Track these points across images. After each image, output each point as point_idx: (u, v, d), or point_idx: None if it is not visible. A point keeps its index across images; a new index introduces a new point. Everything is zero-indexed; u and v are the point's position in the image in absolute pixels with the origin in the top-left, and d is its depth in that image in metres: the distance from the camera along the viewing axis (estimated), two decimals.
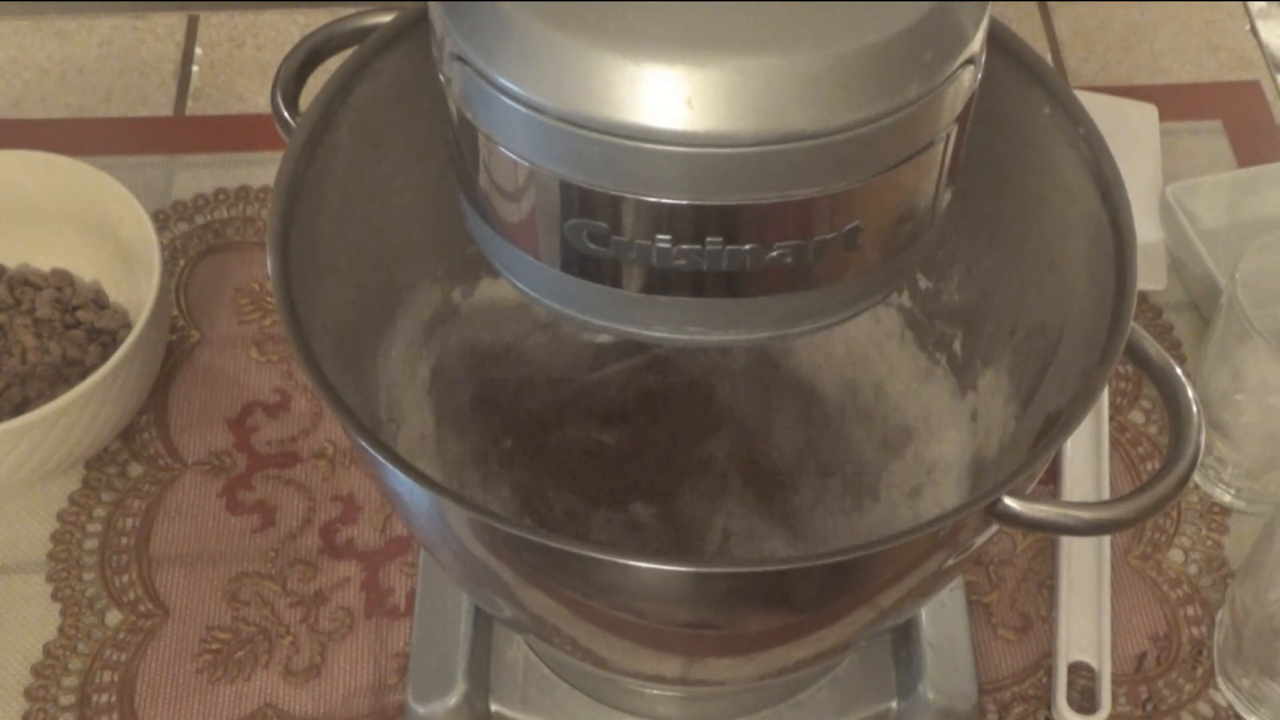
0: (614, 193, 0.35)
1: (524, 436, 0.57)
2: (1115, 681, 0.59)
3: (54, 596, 0.61)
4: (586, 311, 0.39)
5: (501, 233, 0.39)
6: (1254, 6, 0.85)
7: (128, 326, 0.67)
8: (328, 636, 0.61)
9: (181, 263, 0.72)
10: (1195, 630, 0.61)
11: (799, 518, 0.56)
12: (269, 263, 0.44)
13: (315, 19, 0.83)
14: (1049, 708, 0.59)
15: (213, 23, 0.83)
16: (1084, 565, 0.62)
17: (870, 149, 0.35)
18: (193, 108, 0.79)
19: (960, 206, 0.43)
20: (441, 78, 0.37)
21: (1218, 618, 0.61)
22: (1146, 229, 0.71)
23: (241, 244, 0.73)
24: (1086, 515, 0.41)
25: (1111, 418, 0.67)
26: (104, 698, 0.59)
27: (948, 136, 0.37)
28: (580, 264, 0.37)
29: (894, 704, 0.56)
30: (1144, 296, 0.72)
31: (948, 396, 0.57)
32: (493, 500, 0.56)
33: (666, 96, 0.33)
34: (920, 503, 0.55)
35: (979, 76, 0.37)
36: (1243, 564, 0.59)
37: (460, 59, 0.36)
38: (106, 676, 0.59)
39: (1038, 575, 0.62)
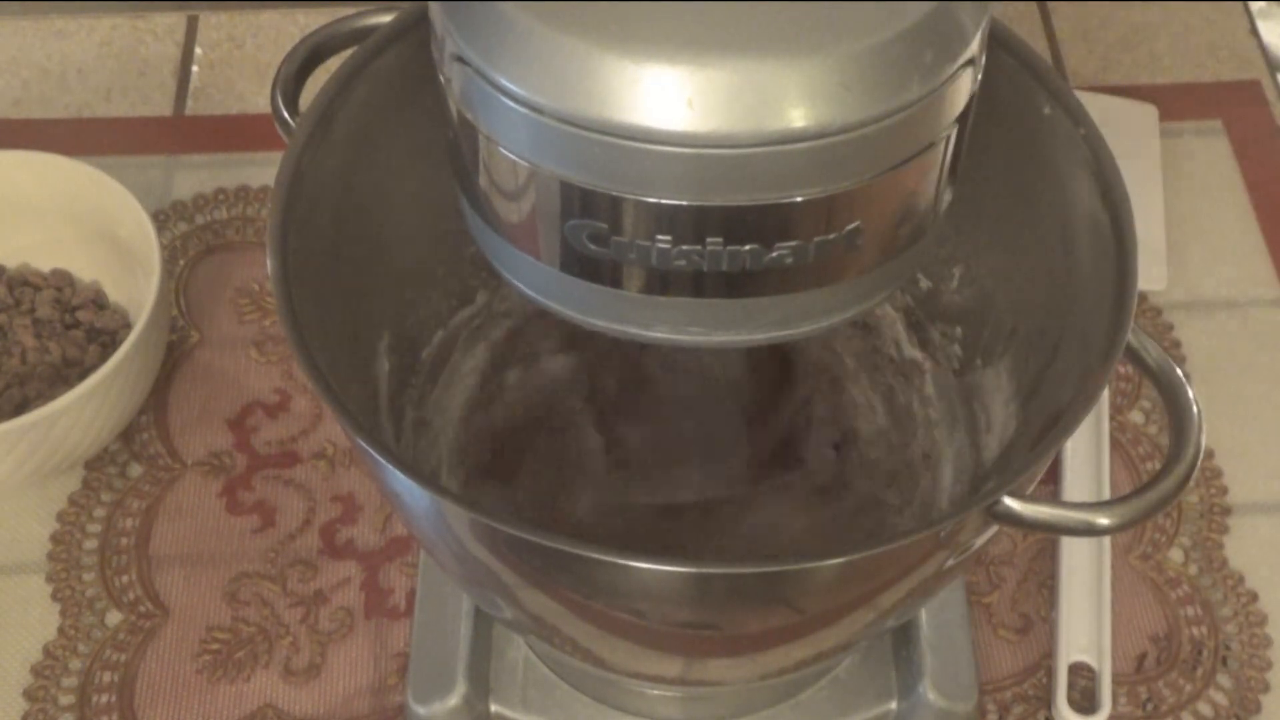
0: (614, 193, 0.35)
1: (524, 435, 0.57)
2: (1115, 681, 0.59)
3: (54, 597, 0.61)
4: (586, 312, 0.39)
5: (501, 233, 0.39)
6: (1254, 6, 0.85)
7: (128, 326, 0.67)
8: (328, 637, 0.61)
9: (181, 263, 0.72)
10: (1195, 630, 0.61)
11: (797, 518, 0.56)
12: (269, 263, 0.44)
13: (315, 19, 0.83)
14: (1049, 708, 0.59)
15: (213, 23, 0.83)
16: (1084, 565, 0.62)
17: (871, 150, 0.35)
18: (192, 108, 0.79)
19: (960, 207, 0.43)
20: (441, 78, 0.37)
21: None
22: (1147, 229, 0.71)
23: (241, 244, 0.73)
24: (1086, 516, 0.41)
25: (1111, 418, 0.67)
26: (104, 698, 0.59)
27: (948, 137, 0.37)
28: (580, 264, 0.37)
29: (894, 704, 0.56)
30: (1144, 296, 0.72)
31: (948, 397, 0.57)
32: (493, 500, 0.56)
33: (667, 97, 0.33)
34: (920, 503, 0.55)
35: (979, 77, 0.37)
36: None
37: (460, 59, 0.36)
38: (106, 677, 0.59)
39: (1038, 575, 0.62)
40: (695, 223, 0.35)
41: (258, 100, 0.80)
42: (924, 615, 0.56)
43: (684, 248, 0.36)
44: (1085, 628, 0.60)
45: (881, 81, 0.34)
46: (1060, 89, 0.47)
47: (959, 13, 0.35)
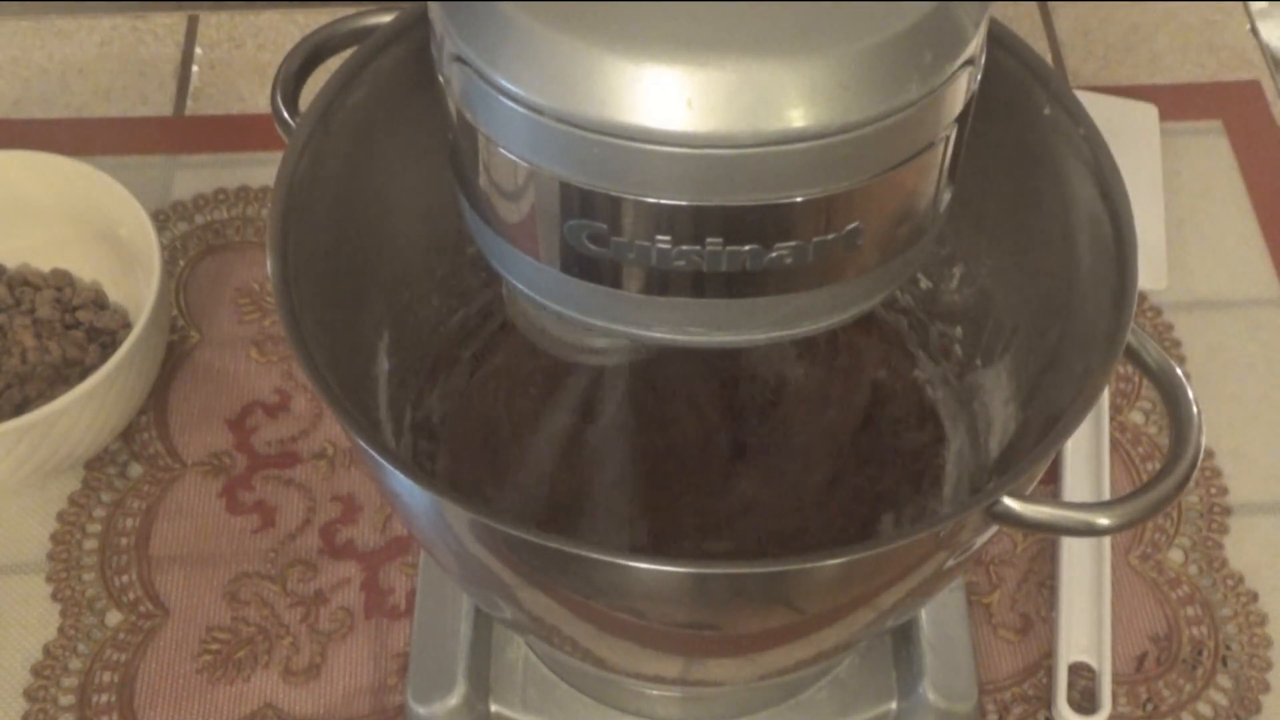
0: (614, 193, 0.35)
1: (525, 434, 0.57)
2: (1115, 681, 0.59)
3: (54, 597, 0.61)
4: (586, 312, 0.39)
5: (501, 233, 0.39)
6: (1254, 6, 0.85)
7: (128, 326, 0.67)
8: (328, 636, 0.61)
9: (181, 263, 0.72)
10: (1195, 630, 0.61)
11: (798, 518, 0.56)
12: (269, 263, 0.44)
13: (315, 19, 0.83)
14: (1049, 708, 0.59)
15: (213, 23, 0.83)
16: (1084, 565, 0.62)
17: (870, 150, 0.35)
18: (192, 108, 0.79)
19: (960, 206, 0.43)
20: (441, 79, 0.37)
21: None
22: (1147, 229, 0.71)
23: (241, 244, 0.73)
24: (1086, 516, 0.41)
25: (1111, 418, 0.67)
26: (104, 698, 0.59)
27: (947, 137, 0.37)
28: (580, 265, 0.37)
29: (894, 704, 0.56)
30: (1144, 296, 0.72)
31: (948, 397, 0.57)
32: (493, 500, 0.56)
33: (666, 97, 0.33)
34: (920, 504, 0.55)
35: (978, 77, 0.37)
36: None
37: (460, 60, 0.36)
38: (106, 677, 0.59)
39: (1038, 575, 0.62)
40: (695, 223, 0.35)
41: (258, 100, 0.80)
42: (924, 615, 0.56)
43: (683, 248, 0.36)
44: (1085, 628, 0.60)
45: (881, 82, 0.34)
46: (1060, 89, 0.47)
47: (958, 13, 0.35)
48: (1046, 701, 0.59)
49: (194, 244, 0.73)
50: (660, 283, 0.37)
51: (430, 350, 0.58)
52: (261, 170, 0.76)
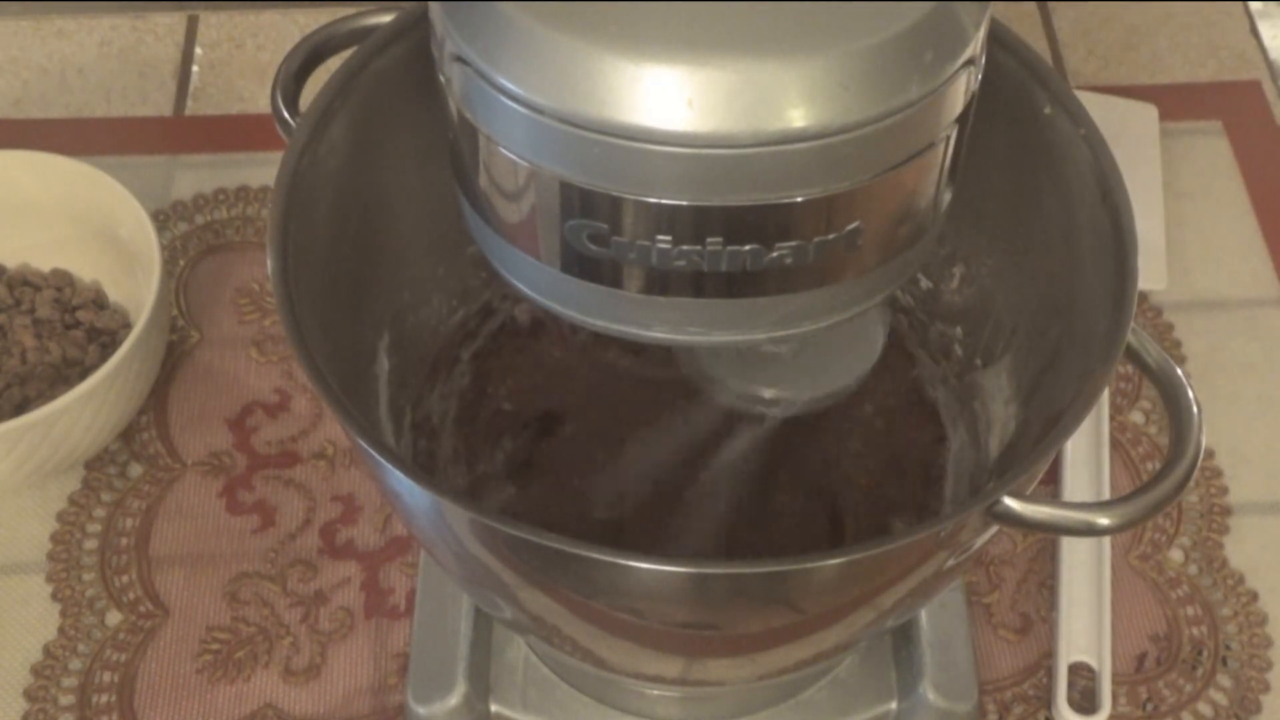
0: (614, 193, 0.35)
1: (523, 434, 0.57)
2: (1115, 681, 0.59)
3: (54, 597, 0.61)
4: (586, 312, 0.39)
5: (501, 233, 0.39)
6: (1254, 6, 0.85)
7: (128, 326, 0.67)
8: (328, 636, 0.61)
9: (181, 263, 0.72)
10: (1195, 630, 0.61)
11: (797, 518, 0.56)
12: (269, 263, 0.44)
13: (315, 19, 0.83)
14: (1049, 708, 0.59)
15: (213, 23, 0.83)
16: (1084, 565, 0.62)
17: (871, 150, 0.35)
18: (192, 108, 0.79)
19: (960, 206, 0.43)
20: (441, 78, 0.37)
21: None
22: (1147, 229, 0.71)
23: (241, 244, 0.73)
24: (1086, 516, 0.41)
25: (1111, 418, 0.67)
26: (104, 698, 0.59)
27: (948, 137, 0.37)
28: (580, 265, 0.37)
29: (894, 704, 0.56)
30: (1144, 296, 0.72)
31: (948, 397, 0.57)
32: (493, 499, 0.56)
33: (667, 97, 0.33)
34: (920, 504, 0.55)
35: (979, 77, 0.37)
36: None
37: (461, 60, 0.36)
38: (106, 677, 0.59)
39: (1038, 575, 0.62)
40: (695, 223, 0.35)
41: (258, 100, 0.80)
42: (924, 615, 0.56)
43: (684, 248, 0.36)
44: (1085, 628, 0.60)
45: (881, 81, 0.34)
46: (1060, 89, 0.47)
47: (959, 13, 0.35)
48: (1046, 701, 0.59)
49: (194, 244, 0.73)
50: (660, 283, 0.37)
51: (430, 350, 0.58)
52: (261, 170, 0.76)
